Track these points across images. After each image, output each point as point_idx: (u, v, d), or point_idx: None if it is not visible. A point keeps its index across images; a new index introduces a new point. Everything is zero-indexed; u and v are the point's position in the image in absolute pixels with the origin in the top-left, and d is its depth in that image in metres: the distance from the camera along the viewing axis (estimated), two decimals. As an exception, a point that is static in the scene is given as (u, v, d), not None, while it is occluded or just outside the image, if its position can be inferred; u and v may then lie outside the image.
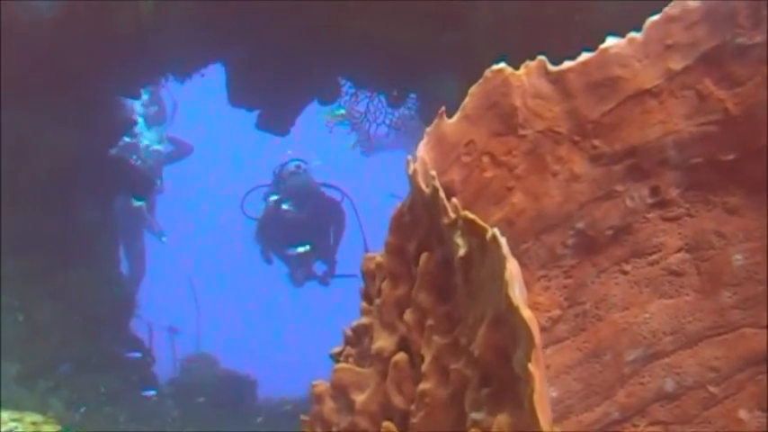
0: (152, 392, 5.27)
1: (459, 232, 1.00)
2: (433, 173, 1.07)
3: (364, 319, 1.26)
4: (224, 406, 6.97)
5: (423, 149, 1.18)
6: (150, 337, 7.29)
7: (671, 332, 1.33)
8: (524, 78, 1.23)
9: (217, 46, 5.56)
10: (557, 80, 1.24)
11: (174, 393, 7.08)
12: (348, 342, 1.29)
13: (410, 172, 1.12)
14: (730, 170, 1.30)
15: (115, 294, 6.13)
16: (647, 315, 1.33)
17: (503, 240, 0.89)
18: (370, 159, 9.04)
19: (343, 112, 6.60)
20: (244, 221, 7.93)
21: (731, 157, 1.29)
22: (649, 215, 1.31)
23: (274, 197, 7.56)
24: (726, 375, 1.34)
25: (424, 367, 1.07)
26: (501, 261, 0.87)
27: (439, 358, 1.06)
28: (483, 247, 0.94)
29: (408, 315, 1.12)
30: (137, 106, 8.01)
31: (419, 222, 1.14)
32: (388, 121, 5.91)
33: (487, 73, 1.22)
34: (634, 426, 1.34)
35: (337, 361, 1.29)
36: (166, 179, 9.37)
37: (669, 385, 1.34)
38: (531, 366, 0.76)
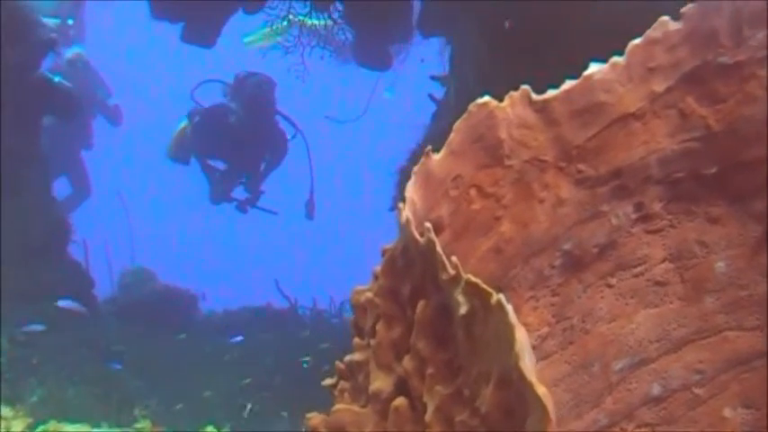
0: (118, 366, 5.23)
1: (459, 289, 1.00)
2: (429, 224, 1.06)
3: (357, 355, 1.26)
4: (165, 323, 6.98)
5: (411, 189, 1.17)
6: (86, 259, 7.24)
7: (656, 339, 1.36)
8: (509, 110, 1.22)
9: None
10: (541, 109, 1.23)
11: (115, 312, 7.08)
12: (342, 376, 1.29)
13: (402, 221, 1.11)
14: (712, 182, 1.31)
15: (49, 221, 6.08)
16: (633, 325, 1.35)
17: (509, 307, 0.89)
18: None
19: (266, 31, 6.42)
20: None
21: (713, 170, 1.30)
22: (633, 229, 1.32)
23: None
24: (710, 377, 1.37)
25: (427, 417, 1.07)
26: (509, 329, 0.88)
27: (442, 408, 1.07)
28: (486, 308, 0.94)
29: (408, 362, 1.13)
30: (55, 24, 7.79)
31: (413, 266, 1.14)
32: (321, 42, 5.82)
33: (472, 107, 1.21)
34: (622, 429, 1.38)
35: (333, 394, 1.30)
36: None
37: (655, 389, 1.37)
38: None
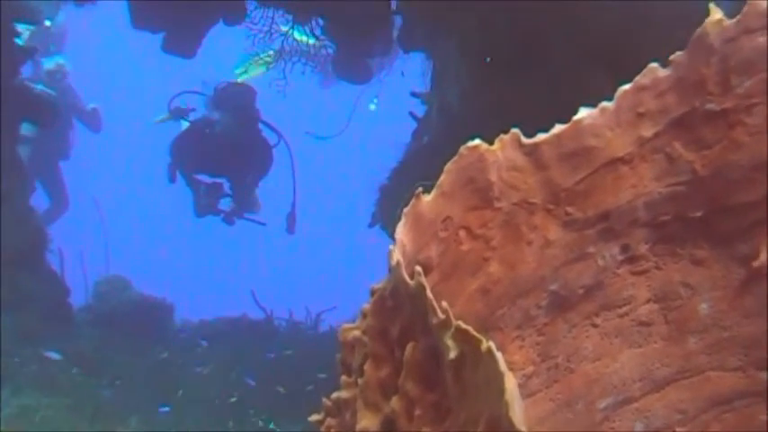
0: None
1: (448, 334, 1.01)
2: (419, 268, 1.07)
3: (345, 393, 1.27)
4: (141, 332, 6.95)
5: (401, 231, 1.18)
6: (62, 267, 7.20)
7: (640, 378, 1.37)
8: (499, 153, 1.23)
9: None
10: (531, 152, 1.25)
11: (90, 321, 7.05)
12: (328, 413, 1.30)
13: (393, 263, 1.12)
14: (698, 225, 1.33)
15: (27, 230, 6.06)
16: (617, 364, 1.36)
17: (499, 355, 0.90)
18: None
19: (256, 59, 6.42)
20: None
21: (699, 213, 1.32)
22: (619, 271, 1.34)
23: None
24: (692, 416, 1.39)
25: (415, 458, 1.09)
26: (499, 376, 0.88)
27: (430, 450, 1.08)
28: (476, 354, 0.95)
29: (396, 402, 1.13)
30: (36, 33, 7.76)
31: (402, 307, 1.14)
32: (303, 58, 5.83)
33: (463, 150, 1.22)
34: (605, 467, 1.39)
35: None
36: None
37: (639, 428, 1.38)
38: None
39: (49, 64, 8.53)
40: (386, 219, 4.65)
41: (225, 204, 7.64)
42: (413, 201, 1.20)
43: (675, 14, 2.83)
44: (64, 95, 8.52)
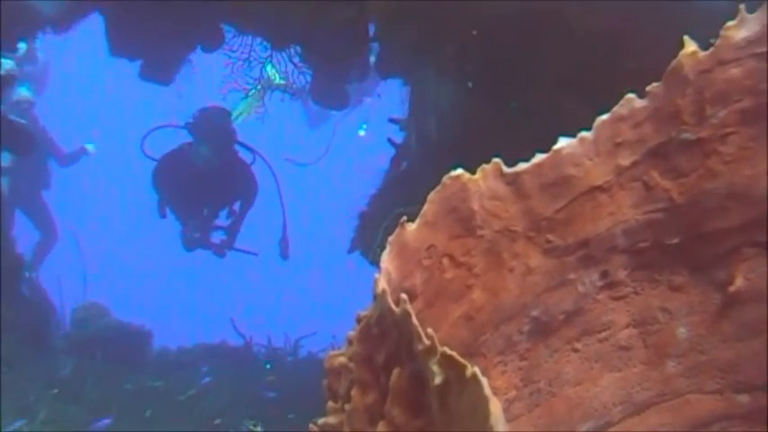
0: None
1: (434, 360, 1.03)
2: (404, 296, 1.09)
3: (332, 419, 1.28)
4: (120, 359, 6.92)
5: (386, 260, 1.20)
6: (39, 294, 7.16)
7: (620, 402, 1.40)
8: (481, 182, 1.26)
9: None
10: (512, 182, 1.27)
11: (69, 349, 7.01)
12: (316, 439, 1.32)
13: (378, 291, 1.14)
14: (675, 252, 1.36)
15: (5, 257, 6.05)
16: (597, 389, 1.39)
17: (484, 380, 0.92)
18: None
19: (248, 101, 6.40)
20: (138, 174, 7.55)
21: (676, 240, 1.35)
22: (599, 296, 1.37)
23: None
24: (672, 439, 1.42)
25: (401, 483, 1.10)
26: (484, 401, 0.91)
27: (417, 475, 1.10)
28: (461, 380, 0.97)
29: (382, 428, 1.15)
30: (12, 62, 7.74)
31: (388, 335, 1.16)
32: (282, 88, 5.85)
33: (446, 179, 1.24)
34: (586, 490, 1.41)
35: (306, 457, 1.32)
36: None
37: (619, 452, 1.41)
38: None
39: (16, 95, 8.48)
40: (365, 245, 4.67)
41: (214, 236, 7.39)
42: (397, 230, 1.22)
43: (649, 42, 2.87)
44: (33, 126, 8.47)
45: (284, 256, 7.57)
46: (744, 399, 1.40)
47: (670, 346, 1.39)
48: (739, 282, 1.35)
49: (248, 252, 7.54)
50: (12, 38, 5.87)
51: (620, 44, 3.19)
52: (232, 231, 7.33)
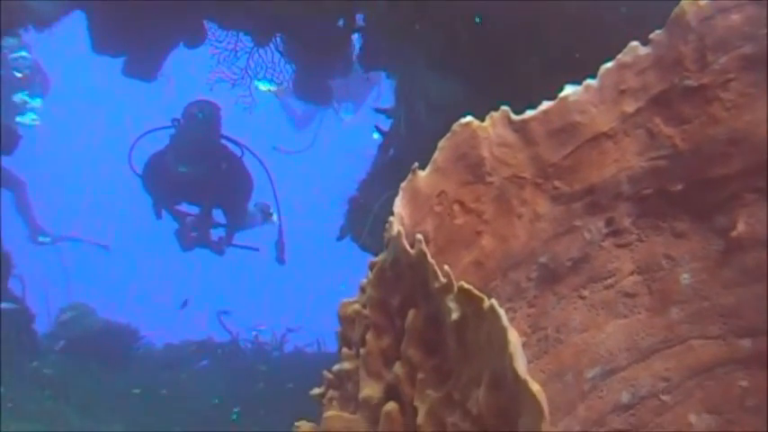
0: None
1: (450, 296, 1.05)
2: (420, 236, 1.11)
3: (346, 365, 1.30)
4: (107, 358, 6.91)
5: (399, 205, 1.22)
6: (24, 293, 7.13)
7: (626, 349, 1.43)
8: (490, 129, 1.28)
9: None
10: (520, 129, 1.30)
11: (55, 347, 7.00)
12: (330, 385, 1.34)
13: (393, 234, 1.16)
14: (678, 199, 1.39)
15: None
16: (603, 335, 1.41)
17: (501, 311, 0.94)
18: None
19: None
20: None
21: (679, 187, 1.38)
22: (604, 244, 1.39)
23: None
24: (676, 384, 1.44)
25: (419, 419, 1.12)
26: (502, 331, 0.93)
27: (433, 411, 1.12)
28: (478, 313, 0.99)
29: (398, 368, 1.17)
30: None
31: (402, 278, 1.19)
32: (269, 75, 5.83)
33: (455, 126, 1.27)
34: (593, 436, 1.44)
35: (321, 403, 1.34)
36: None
37: (625, 397, 1.43)
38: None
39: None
40: (355, 230, 4.69)
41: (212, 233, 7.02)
42: (410, 176, 1.24)
43: (636, 22, 2.90)
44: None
45: (281, 260, 7.19)
46: (746, 343, 1.43)
47: (674, 292, 1.42)
48: (741, 227, 1.38)
49: (249, 248, 7.19)
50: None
51: (610, 24, 3.22)
52: (230, 228, 7.04)
